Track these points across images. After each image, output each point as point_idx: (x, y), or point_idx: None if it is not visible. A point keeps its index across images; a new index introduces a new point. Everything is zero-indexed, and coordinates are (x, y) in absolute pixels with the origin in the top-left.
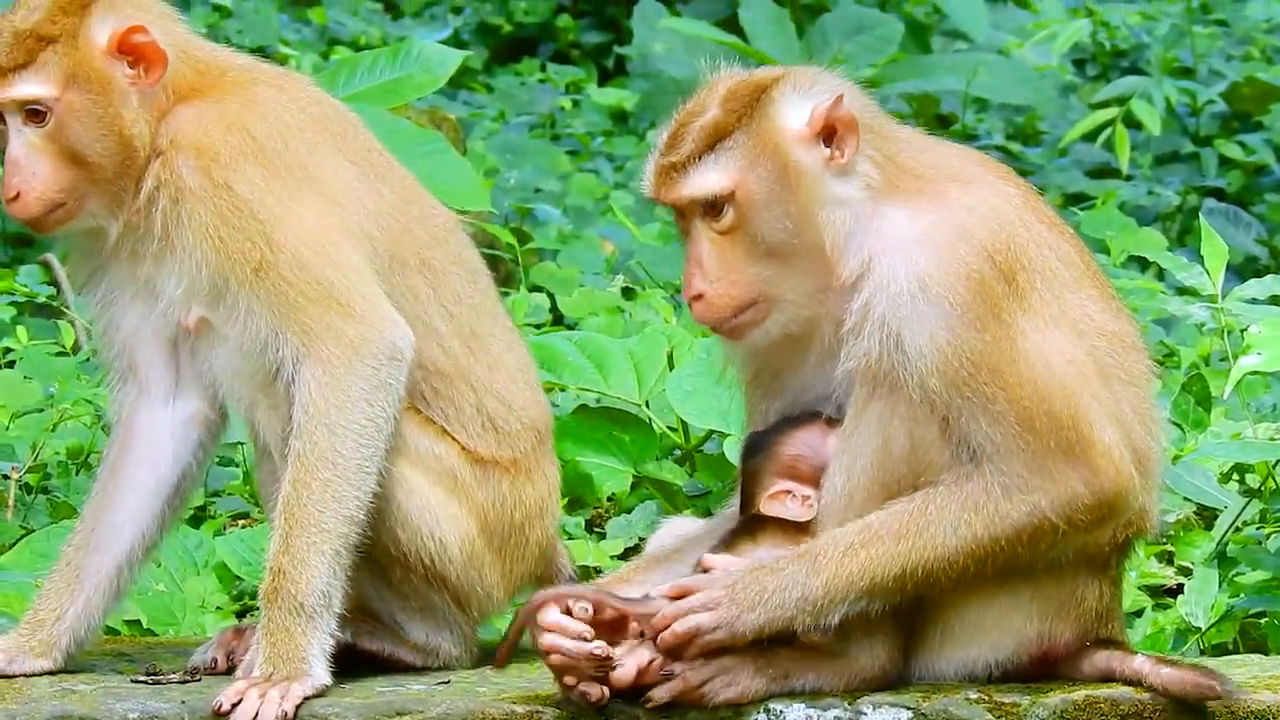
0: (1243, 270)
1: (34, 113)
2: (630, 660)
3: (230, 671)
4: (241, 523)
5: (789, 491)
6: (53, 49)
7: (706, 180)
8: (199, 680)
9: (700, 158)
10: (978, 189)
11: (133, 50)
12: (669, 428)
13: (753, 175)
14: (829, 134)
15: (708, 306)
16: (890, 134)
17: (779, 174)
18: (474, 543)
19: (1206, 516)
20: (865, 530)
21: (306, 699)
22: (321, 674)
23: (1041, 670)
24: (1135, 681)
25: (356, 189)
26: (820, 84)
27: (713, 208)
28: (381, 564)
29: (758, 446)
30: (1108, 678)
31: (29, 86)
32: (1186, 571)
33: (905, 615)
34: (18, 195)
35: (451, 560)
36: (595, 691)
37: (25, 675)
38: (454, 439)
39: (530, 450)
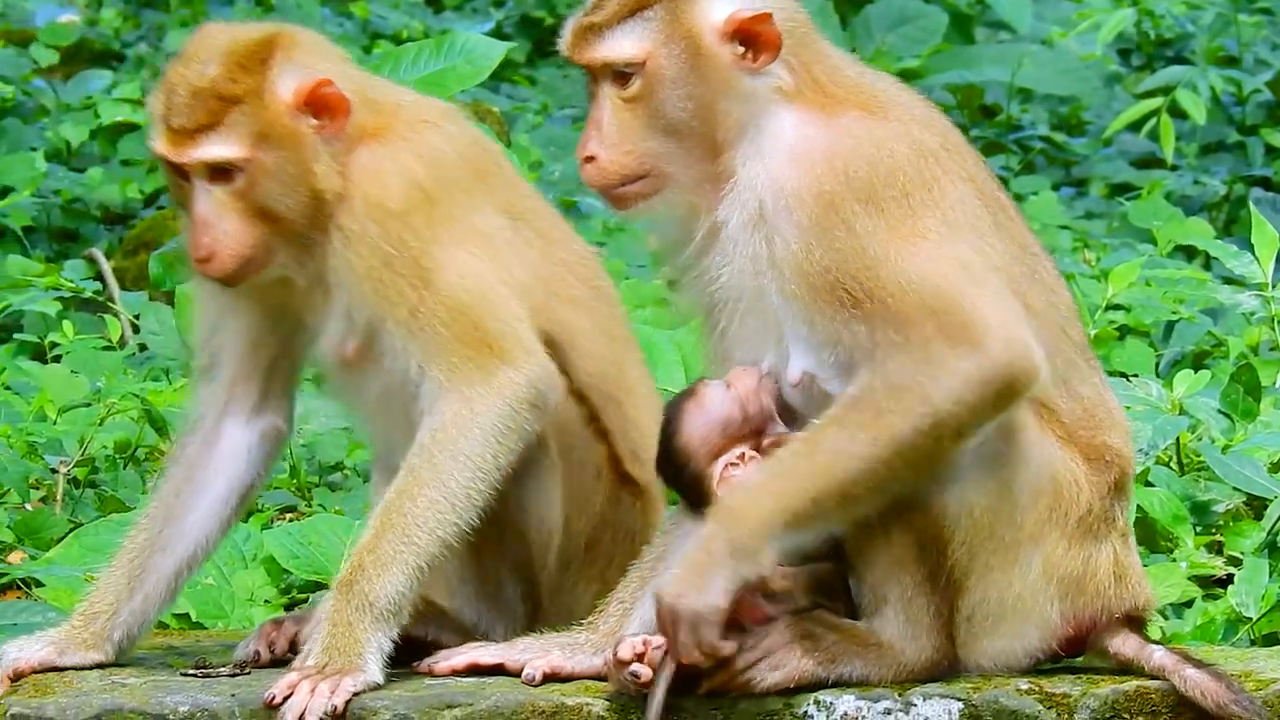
0: None
1: (221, 172)
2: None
3: (273, 664)
4: (289, 516)
5: (733, 464)
6: (239, 109)
7: (620, 46)
8: (248, 673)
9: (619, 22)
10: (877, 122)
11: (318, 102)
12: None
13: (665, 50)
14: (745, 38)
15: (599, 170)
16: (817, 49)
17: (691, 56)
18: (580, 551)
19: (1256, 506)
20: (772, 468)
21: (356, 694)
22: (374, 671)
23: (1077, 650)
24: (1159, 675)
25: (509, 240)
26: None
27: (621, 75)
28: (479, 541)
29: (677, 459)
30: (1127, 668)
31: (219, 148)
32: (1236, 562)
33: (944, 604)
34: (210, 255)
35: (550, 556)
36: (646, 673)
37: (75, 668)
38: (609, 446)
39: (658, 480)
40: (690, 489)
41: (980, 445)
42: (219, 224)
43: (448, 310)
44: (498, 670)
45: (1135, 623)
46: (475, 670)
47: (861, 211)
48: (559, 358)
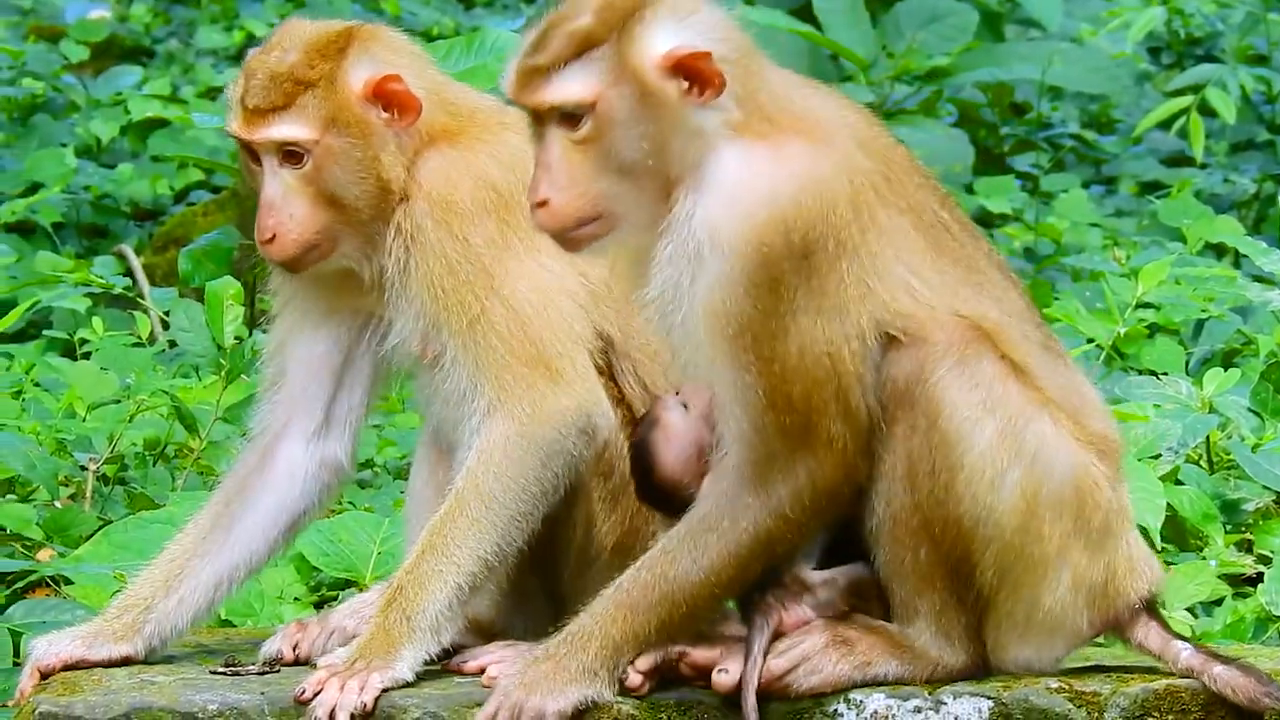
0: None
1: (291, 154)
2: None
3: (297, 663)
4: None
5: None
6: (311, 92)
7: (569, 88)
8: (278, 671)
9: (566, 64)
10: (820, 152)
11: (387, 96)
12: None
13: (615, 91)
14: (689, 74)
15: (551, 214)
16: (760, 74)
17: (640, 95)
18: (605, 553)
19: None
20: (621, 597)
21: (385, 690)
22: (404, 670)
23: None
24: (1188, 675)
25: None
26: (696, 16)
27: (571, 117)
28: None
29: (664, 489)
30: (1154, 664)
31: (289, 128)
32: (1266, 560)
33: (974, 617)
34: (274, 237)
35: (572, 557)
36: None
37: (104, 662)
38: None
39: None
40: (682, 510)
41: (1004, 470)
42: (285, 207)
43: (508, 324)
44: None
45: (1151, 607)
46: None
47: (791, 272)
48: (617, 363)
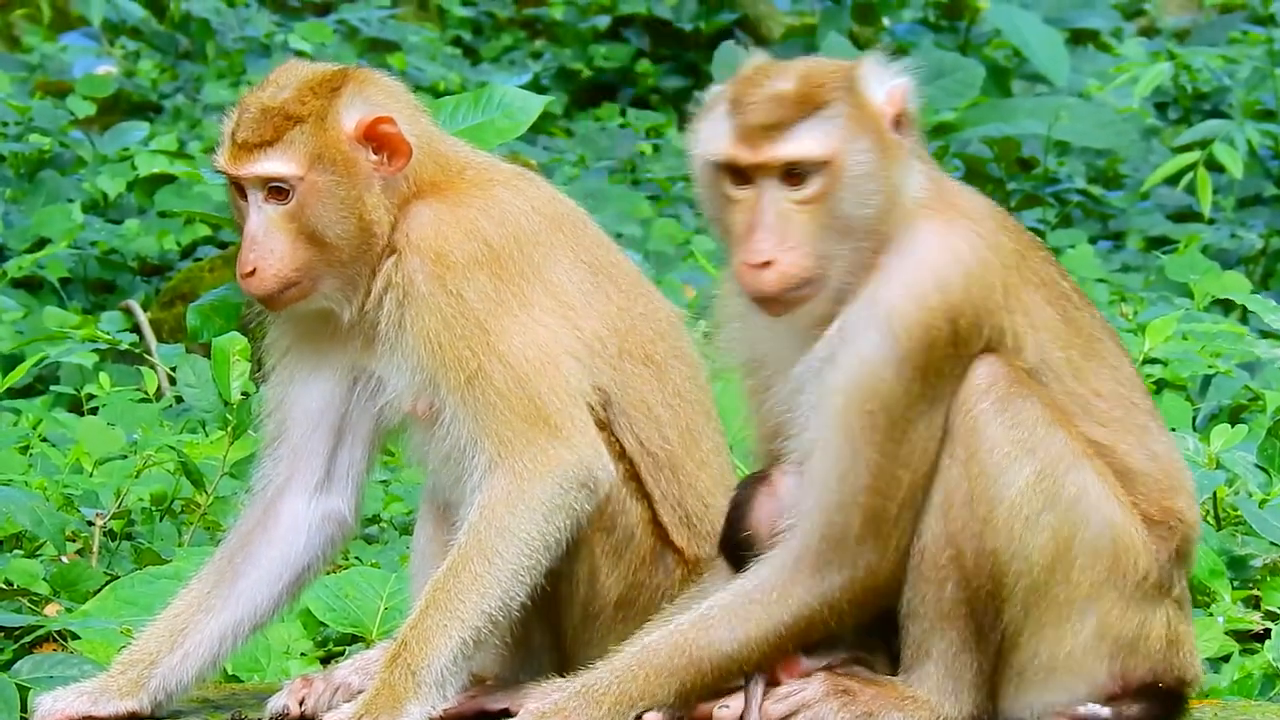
0: None
1: (276, 190)
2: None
3: (302, 719)
4: (327, 569)
5: None
6: (300, 128)
7: (805, 144)
8: None
9: (798, 120)
10: (979, 237)
11: (378, 138)
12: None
13: (851, 147)
14: (898, 122)
15: (780, 275)
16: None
17: (878, 149)
18: (609, 607)
19: None
20: (640, 658)
21: None
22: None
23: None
24: None
25: (587, 291)
26: (887, 70)
27: (794, 175)
28: None
29: (743, 538)
30: None
31: (274, 164)
32: (1274, 616)
33: (986, 661)
34: (254, 271)
35: (576, 609)
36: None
37: (110, 718)
38: (651, 507)
39: (711, 556)
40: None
41: (1040, 511)
42: (267, 241)
43: (506, 381)
44: (504, 714)
45: (1175, 698)
46: (482, 715)
47: (944, 358)
48: (613, 419)
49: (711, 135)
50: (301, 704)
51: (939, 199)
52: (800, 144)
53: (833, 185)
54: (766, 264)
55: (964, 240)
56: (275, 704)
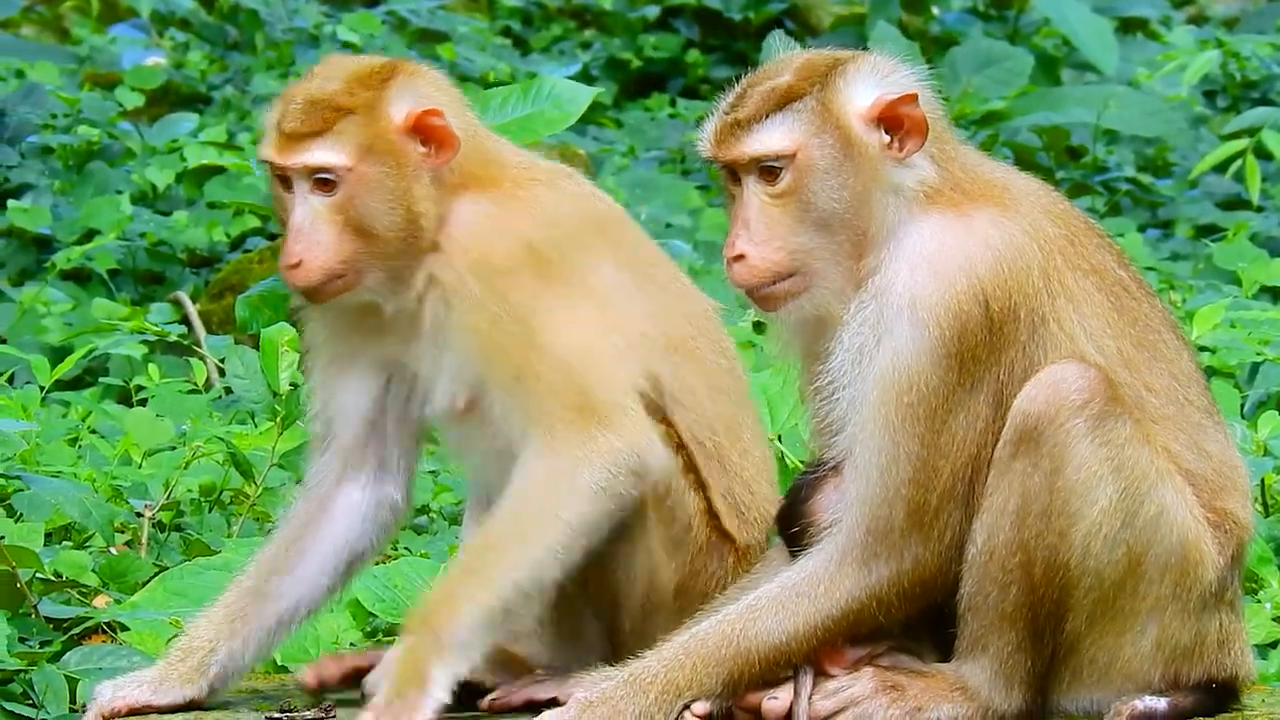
0: None
1: (323, 181)
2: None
3: (318, 690)
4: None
5: None
6: (349, 119)
7: (769, 139)
8: (333, 716)
9: (766, 117)
10: (1011, 221)
11: (427, 131)
12: (801, 463)
13: (816, 141)
14: (892, 124)
15: (749, 269)
16: (952, 141)
17: (842, 146)
18: (669, 599)
19: None
20: (688, 648)
21: None
22: (439, 693)
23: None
24: None
25: (629, 289)
26: (897, 74)
27: (769, 170)
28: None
29: (801, 521)
30: None
31: (324, 154)
32: None
33: (1041, 661)
34: (299, 263)
35: (634, 601)
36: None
37: (169, 707)
38: (705, 496)
39: (760, 543)
40: (803, 549)
41: (1119, 529)
42: (313, 233)
43: (554, 374)
44: (552, 703)
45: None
46: (531, 705)
47: (982, 345)
48: (667, 407)
49: (702, 134)
50: (320, 680)
51: (957, 188)
52: (767, 138)
53: (801, 179)
54: (740, 257)
55: (993, 226)
56: (301, 677)
